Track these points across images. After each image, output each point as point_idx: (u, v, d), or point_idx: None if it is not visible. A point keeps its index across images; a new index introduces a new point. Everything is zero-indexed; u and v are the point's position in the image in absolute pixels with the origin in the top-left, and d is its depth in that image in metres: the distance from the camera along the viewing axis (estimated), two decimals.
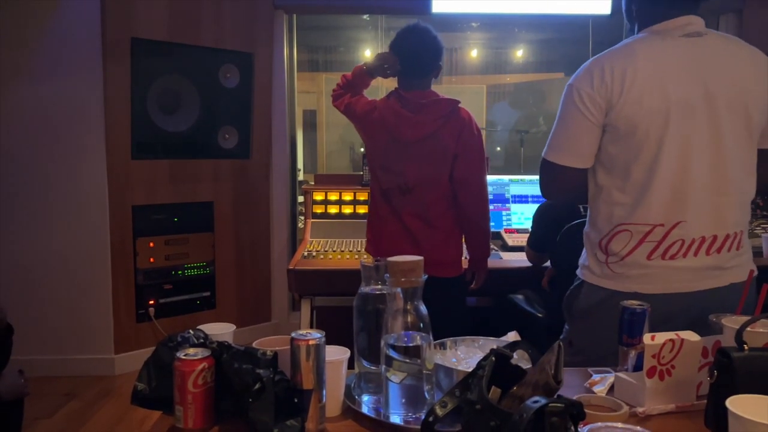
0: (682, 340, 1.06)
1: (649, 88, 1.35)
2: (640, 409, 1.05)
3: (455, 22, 4.78)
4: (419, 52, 2.16)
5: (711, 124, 1.35)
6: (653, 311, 1.33)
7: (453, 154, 2.11)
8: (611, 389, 1.14)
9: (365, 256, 2.59)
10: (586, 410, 0.81)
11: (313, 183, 3.49)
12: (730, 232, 1.39)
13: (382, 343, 1.01)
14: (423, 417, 0.93)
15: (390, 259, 1.03)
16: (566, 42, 5.07)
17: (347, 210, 3.18)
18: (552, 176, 1.51)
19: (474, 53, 5.51)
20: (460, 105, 2.14)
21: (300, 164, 4.32)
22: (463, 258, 2.25)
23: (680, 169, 1.36)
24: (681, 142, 1.35)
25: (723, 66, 1.37)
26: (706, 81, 1.35)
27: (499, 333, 1.29)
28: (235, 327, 1.20)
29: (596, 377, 1.19)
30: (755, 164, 1.43)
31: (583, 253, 1.55)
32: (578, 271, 1.56)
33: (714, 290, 1.38)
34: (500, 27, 5.10)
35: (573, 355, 1.49)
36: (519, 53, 5.50)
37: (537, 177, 3.25)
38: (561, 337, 1.67)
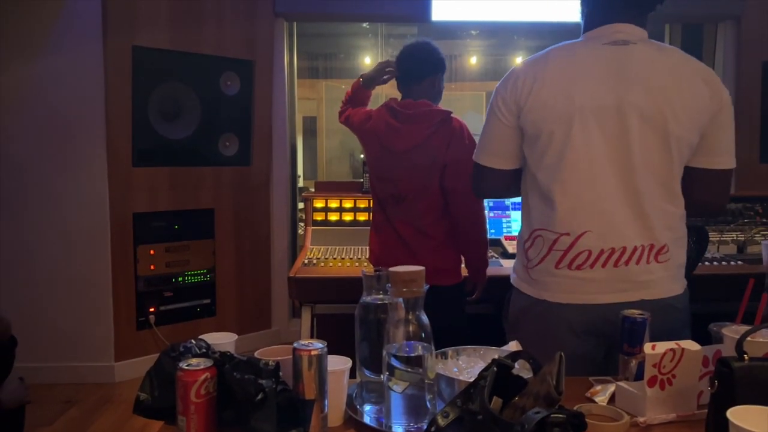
0: (683, 349, 1.06)
1: (555, 93, 1.34)
2: (641, 419, 1.05)
3: (455, 30, 4.80)
4: (413, 53, 2.21)
5: (620, 133, 1.32)
6: (558, 321, 1.33)
7: (442, 164, 2.09)
8: (612, 399, 1.14)
9: (366, 264, 2.60)
10: (587, 420, 0.81)
11: (313, 190, 3.50)
12: (638, 244, 1.35)
13: (384, 352, 1.02)
14: (425, 427, 0.93)
15: (391, 269, 1.03)
16: None
17: (347, 217, 3.19)
18: (478, 176, 1.55)
19: (473, 60, 5.53)
20: (452, 115, 2.14)
21: (300, 171, 4.33)
22: (462, 266, 2.25)
23: (584, 177, 1.34)
24: (585, 150, 1.33)
25: (643, 76, 1.33)
26: (620, 90, 1.32)
27: (500, 340, 1.29)
28: (237, 336, 1.20)
29: (597, 387, 1.19)
30: (677, 179, 1.38)
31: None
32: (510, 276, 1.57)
33: (623, 305, 1.31)
34: (499, 34, 5.12)
35: None
36: (518, 60, 5.52)
37: None
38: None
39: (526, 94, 1.37)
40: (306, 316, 2.59)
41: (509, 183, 1.52)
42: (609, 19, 1.38)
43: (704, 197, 1.43)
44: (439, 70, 2.21)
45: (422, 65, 2.19)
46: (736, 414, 0.82)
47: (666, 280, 1.39)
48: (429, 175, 2.11)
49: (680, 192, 1.39)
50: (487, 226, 2.22)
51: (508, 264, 2.69)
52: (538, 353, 0.94)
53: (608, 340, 1.39)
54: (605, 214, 1.34)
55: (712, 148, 1.38)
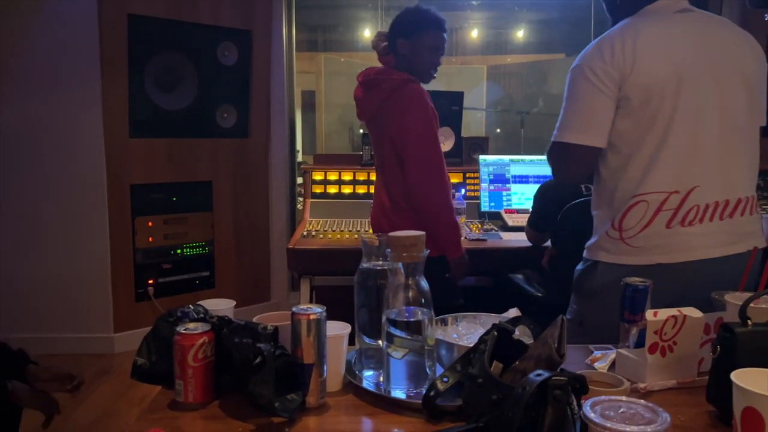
0: (685, 316, 1.05)
1: (659, 58, 1.39)
2: (641, 385, 1.05)
3: (455, 1, 4.72)
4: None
5: (717, 90, 1.40)
6: (674, 281, 1.35)
7: (396, 132, 2.01)
8: (612, 365, 1.13)
9: (365, 233, 2.59)
10: None
11: (312, 163, 3.47)
12: (741, 196, 1.42)
13: (383, 319, 1.01)
14: (424, 392, 0.93)
15: (391, 234, 1.02)
16: (567, 22, 5.01)
17: (346, 190, 3.17)
18: (566, 158, 1.48)
19: (474, 33, 5.45)
20: (413, 83, 2.01)
21: (299, 146, 4.29)
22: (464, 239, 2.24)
23: (692, 134, 1.39)
24: (692, 108, 1.39)
25: (719, 38, 1.44)
26: (708, 51, 1.41)
27: (499, 312, 1.28)
28: (235, 303, 1.19)
29: (597, 354, 1.18)
30: (758, 133, 1.48)
31: (593, 236, 1.53)
32: (586, 254, 1.54)
33: (736, 256, 1.39)
34: (501, 6, 5.05)
35: (583, 335, 1.47)
36: (520, 33, 5.44)
37: (537, 157, 3.21)
38: (568, 317, 1.63)
39: (630, 60, 1.37)
40: (305, 287, 2.59)
41: (594, 164, 1.50)
42: None
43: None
44: (398, 32, 2.04)
45: (390, 29, 2.11)
46: (739, 376, 0.81)
47: (761, 232, 1.47)
48: (385, 145, 2.07)
49: (758, 150, 1.48)
50: (448, 199, 2.05)
51: (508, 237, 2.68)
52: None
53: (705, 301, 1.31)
54: (709, 168, 1.40)
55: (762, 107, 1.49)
